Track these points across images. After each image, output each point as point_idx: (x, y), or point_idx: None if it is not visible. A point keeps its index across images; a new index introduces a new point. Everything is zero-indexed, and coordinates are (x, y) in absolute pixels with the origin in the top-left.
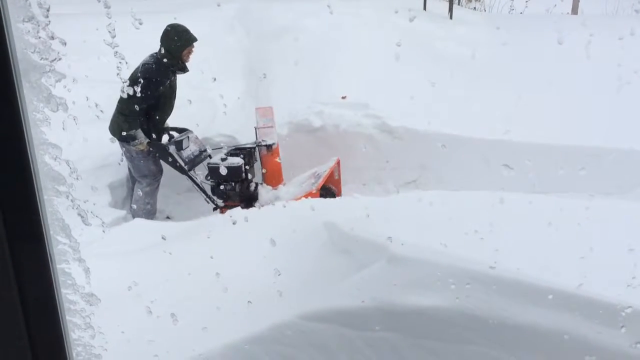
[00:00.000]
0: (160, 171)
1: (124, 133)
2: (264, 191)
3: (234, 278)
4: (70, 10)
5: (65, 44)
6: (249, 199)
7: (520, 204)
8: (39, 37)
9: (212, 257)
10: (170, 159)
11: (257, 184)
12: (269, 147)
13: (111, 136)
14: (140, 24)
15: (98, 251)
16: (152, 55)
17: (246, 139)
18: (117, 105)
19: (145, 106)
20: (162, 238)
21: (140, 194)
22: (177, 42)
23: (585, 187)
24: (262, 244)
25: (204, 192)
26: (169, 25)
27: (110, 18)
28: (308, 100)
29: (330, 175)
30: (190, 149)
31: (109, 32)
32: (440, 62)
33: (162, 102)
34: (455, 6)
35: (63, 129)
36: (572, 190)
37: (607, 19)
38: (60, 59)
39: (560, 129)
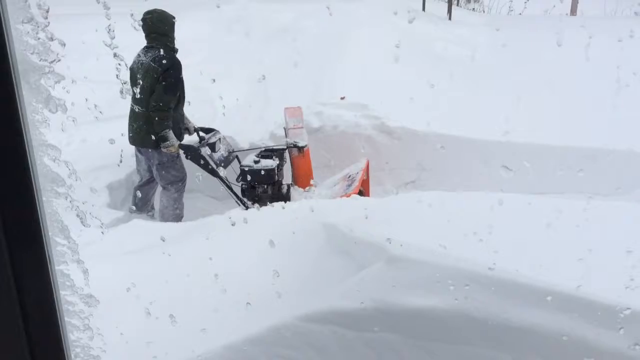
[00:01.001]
0: (185, 175)
1: (155, 136)
2: (296, 193)
3: (232, 279)
4: (69, 11)
5: (65, 45)
6: (280, 201)
7: (519, 205)
8: (38, 39)
9: (211, 259)
10: (202, 161)
11: (288, 186)
12: (300, 148)
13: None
14: (140, 24)
15: (97, 252)
16: (149, 49)
17: (245, 139)
18: (139, 113)
19: (175, 102)
20: (161, 239)
21: (170, 200)
22: (169, 23)
23: (583, 188)
24: (261, 245)
25: (235, 194)
26: (148, 13)
27: (109, 19)
28: (307, 101)
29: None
30: (220, 151)
31: (108, 33)
32: (440, 63)
33: (181, 93)
34: (454, 7)
35: (62, 130)
36: (570, 192)
37: (606, 20)
38: (59, 60)
39: (558, 130)
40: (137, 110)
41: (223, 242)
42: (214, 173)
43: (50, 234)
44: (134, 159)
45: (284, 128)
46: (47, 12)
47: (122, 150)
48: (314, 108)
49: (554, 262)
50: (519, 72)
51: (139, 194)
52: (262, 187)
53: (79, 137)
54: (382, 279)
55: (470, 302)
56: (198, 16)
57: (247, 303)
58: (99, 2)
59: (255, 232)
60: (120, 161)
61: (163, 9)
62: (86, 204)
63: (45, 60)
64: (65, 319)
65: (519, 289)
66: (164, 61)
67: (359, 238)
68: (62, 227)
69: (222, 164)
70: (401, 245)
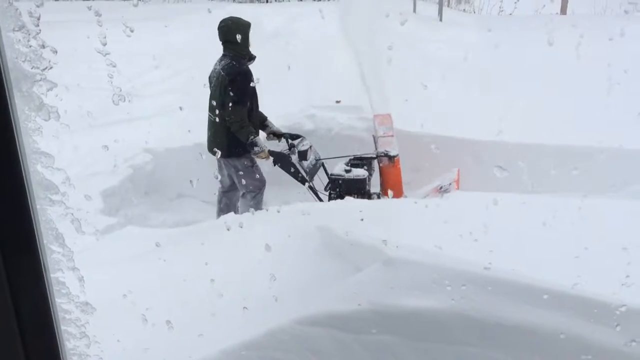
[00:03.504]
0: (264, 184)
1: (249, 140)
2: None
3: (228, 284)
4: (60, 18)
5: (56, 52)
6: None
7: (513, 205)
8: (30, 46)
9: (206, 264)
10: (292, 170)
11: (378, 195)
12: (390, 157)
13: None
14: (132, 31)
15: (92, 259)
16: (224, 57)
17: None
18: (214, 121)
19: (249, 108)
20: (156, 245)
21: (245, 207)
22: (241, 32)
23: (577, 186)
24: (257, 250)
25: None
26: (223, 21)
27: (101, 26)
28: (300, 104)
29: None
30: (308, 158)
31: (100, 40)
32: (432, 64)
33: (253, 100)
34: (444, 8)
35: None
36: (565, 190)
37: (596, 19)
38: (51, 68)
39: (551, 129)
40: (212, 118)
41: (218, 247)
42: (303, 181)
43: (44, 241)
44: (129, 163)
45: (373, 136)
46: (38, 19)
47: (115, 157)
48: (307, 111)
49: (549, 261)
50: (511, 72)
51: (224, 200)
52: (352, 196)
53: (73, 144)
54: (378, 281)
55: (467, 302)
56: (189, 21)
57: (244, 307)
58: (90, 9)
59: (251, 236)
60: (115, 166)
61: (238, 17)
62: (80, 211)
63: (37, 67)
64: (62, 327)
65: (515, 288)
66: (231, 70)
67: (355, 240)
68: (56, 234)
69: (311, 173)
70: (397, 247)
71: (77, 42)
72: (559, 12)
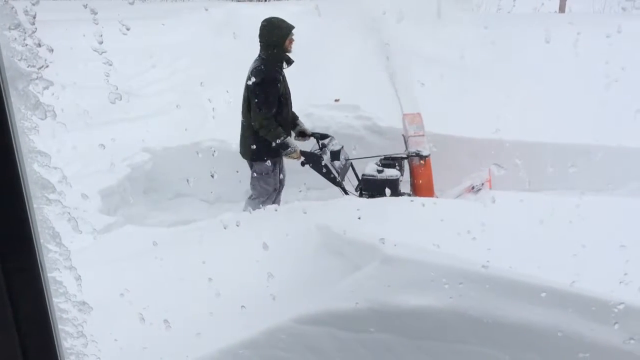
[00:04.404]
0: (275, 190)
1: (279, 147)
2: None
3: (226, 283)
4: (57, 17)
5: (53, 51)
6: None
7: (511, 203)
8: (26, 45)
9: (204, 262)
10: (324, 170)
11: (409, 195)
12: (422, 157)
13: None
14: (128, 29)
15: (89, 258)
16: (256, 59)
17: (237, 143)
18: (244, 125)
19: (277, 109)
20: (154, 244)
21: (251, 207)
22: (277, 35)
23: (575, 184)
24: (255, 248)
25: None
26: (264, 21)
27: (97, 24)
28: (299, 103)
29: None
30: (340, 159)
31: (96, 38)
32: (429, 62)
33: (282, 102)
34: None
35: (54, 136)
36: (562, 188)
37: (594, 17)
38: (47, 66)
39: (549, 127)
40: (242, 120)
41: (216, 246)
42: (335, 182)
43: (41, 240)
44: (127, 162)
45: (403, 135)
46: (34, 18)
47: (113, 156)
48: (305, 110)
49: (547, 259)
50: (508, 70)
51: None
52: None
53: (70, 143)
54: (376, 279)
55: (464, 300)
56: (186, 20)
57: (242, 306)
58: (86, 8)
59: (248, 235)
60: (112, 164)
61: (281, 19)
62: (78, 210)
63: (34, 66)
64: (59, 326)
65: (513, 286)
66: (258, 75)
67: (353, 239)
68: (53, 233)
69: (342, 173)
70: (395, 245)
71: (74, 40)
72: (557, 10)
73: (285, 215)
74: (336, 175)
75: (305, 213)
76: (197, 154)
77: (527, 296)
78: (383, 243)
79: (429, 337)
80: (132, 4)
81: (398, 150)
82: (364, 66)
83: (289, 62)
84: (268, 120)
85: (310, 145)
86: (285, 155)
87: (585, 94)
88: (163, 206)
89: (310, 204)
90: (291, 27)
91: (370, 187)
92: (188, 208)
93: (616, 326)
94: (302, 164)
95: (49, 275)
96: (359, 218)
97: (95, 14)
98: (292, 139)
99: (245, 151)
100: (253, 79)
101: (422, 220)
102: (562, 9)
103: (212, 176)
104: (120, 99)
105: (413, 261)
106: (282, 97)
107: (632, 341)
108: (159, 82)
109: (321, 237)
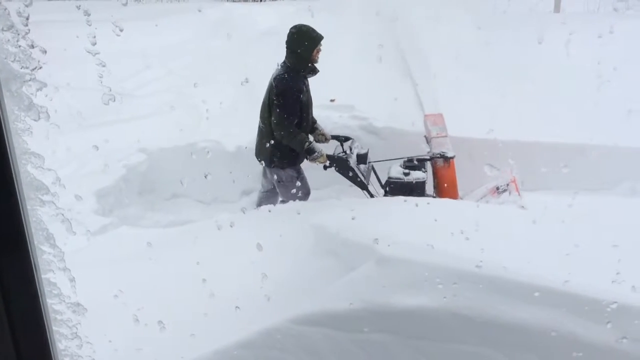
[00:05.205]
0: (308, 192)
1: (305, 146)
2: None
3: (221, 283)
4: (49, 18)
5: (46, 52)
6: None
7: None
8: (19, 46)
9: (198, 263)
10: (351, 173)
11: (433, 197)
12: (446, 159)
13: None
14: (121, 30)
15: (85, 260)
16: (281, 66)
17: (232, 144)
18: (261, 127)
19: (298, 119)
20: (148, 245)
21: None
22: (305, 44)
23: (569, 184)
24: (249, 249)
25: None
26: (292, 28)
27: (90, 25)
28: None
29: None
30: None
31: (90, 39)
32: (424, 61)
33: (303, 110)
34: None
35: (48, 138)
36: (556, 188)
37: (589, 17)
38: (40, 68)
39: (543, 126)
40: (260, 125)
41: (211, 247)
42: (361, 185)
43: (35, 242)
44: (122, 163)
45: (425, 137)
46: (28, 19)
47: (108, 157)
48: None
49: (540, 258)
50: (503, 69)
51: (264, 200)
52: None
53: (64, 144)
54: (371, 279)
55: (459, 299)
56: (180, 21)
57: (236, 307)
58: (79, 9)
59: (242, 236)
60: (106, 165)
61: (311, 28)
62: (74, 211)
63: (27, 67)
64: (53, 327)
65: (506, 286)
66: (281, 83)
67: (347, 239)
68: (47, 235)
69: (367, 176)
70: (389, 245)
71: (67, 41)
72: (552, 10)
73: (280, 216)
74: (363, 178)
75: (299, 214)
76: (191, 155)
77: (520, 296)
78: (377, 243)
79: (423, 337)
80: (125, 5)
81: (398, 150)
82: (359, 66)
83: (314, 71)
84: (291, 128)
85: (331, 148)
86: (312, 160)
87: (580, 94)
88: (158, 207)
89: (304, 204)
90: (320, 38)
91: (397, 190)
92: (184, 209)
93: (609, 325)
94: (325, 167)
95: (43, 276)
96: (353, 218)
97: (89, 15)
98: (316, 144)
99: (264, 156)
100: (276, 88)
101: (416, 221)
102: (557, 8)
103: (206, 177)
104: (114, 100)
105: (407, 261)
106: (304, 106)
107: (624, 340)
108: (153, 83)
109: (315, 237)
